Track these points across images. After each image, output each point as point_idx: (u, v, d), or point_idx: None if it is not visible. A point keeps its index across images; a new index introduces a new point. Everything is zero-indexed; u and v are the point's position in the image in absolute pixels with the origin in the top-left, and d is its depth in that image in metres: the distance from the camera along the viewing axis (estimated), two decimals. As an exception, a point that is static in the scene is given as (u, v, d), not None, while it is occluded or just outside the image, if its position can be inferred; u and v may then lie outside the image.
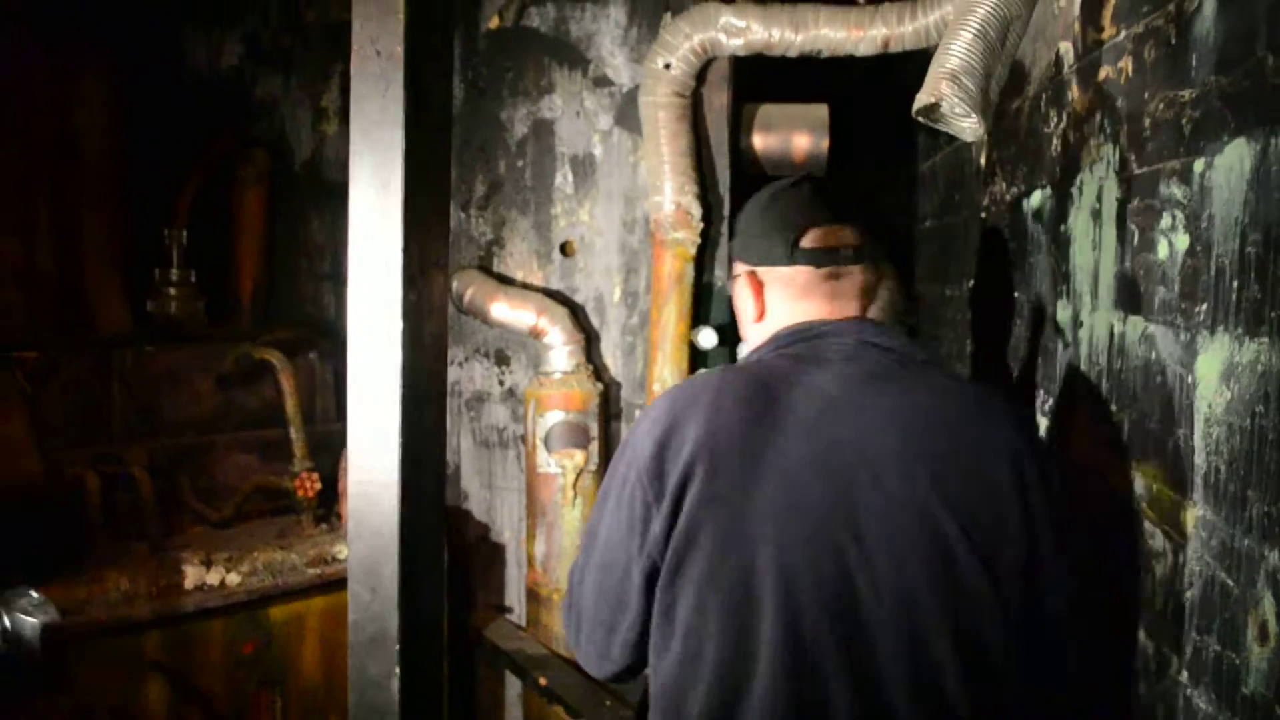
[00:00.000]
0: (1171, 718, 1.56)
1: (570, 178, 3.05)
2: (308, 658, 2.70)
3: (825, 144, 3.06)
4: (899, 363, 1.65)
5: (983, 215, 3.06)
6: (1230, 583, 1.37)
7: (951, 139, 3.53)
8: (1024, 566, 1.52)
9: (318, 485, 2.74)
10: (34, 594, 2.20)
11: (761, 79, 3.09)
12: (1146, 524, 1.70)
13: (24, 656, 2.13)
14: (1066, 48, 2.24)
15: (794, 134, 3.06)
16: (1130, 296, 1.80)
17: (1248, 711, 1.32)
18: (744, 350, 1.85)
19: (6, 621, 2.17)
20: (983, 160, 3.03)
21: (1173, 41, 1.65)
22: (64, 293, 2.91)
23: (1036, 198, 2.48)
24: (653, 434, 1.53)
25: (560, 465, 2.87)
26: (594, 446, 2.92)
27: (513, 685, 3.17)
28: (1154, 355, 1.70)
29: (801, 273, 1.71)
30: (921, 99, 1.92)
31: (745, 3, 2.82)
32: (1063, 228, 2.21)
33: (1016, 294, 2.64)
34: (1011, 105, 2.73)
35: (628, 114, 2.99)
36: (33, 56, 2.86)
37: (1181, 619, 1.54)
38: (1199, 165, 1.53)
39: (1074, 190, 2.14)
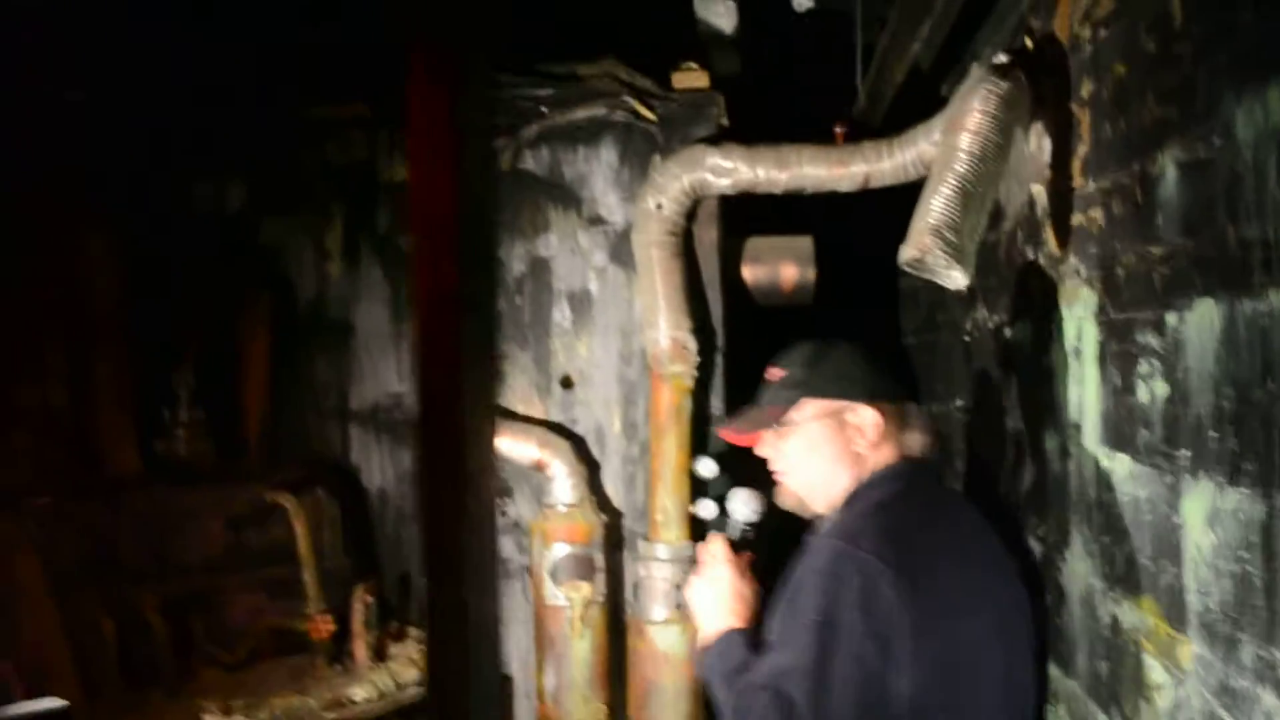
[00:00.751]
0: None
1: (568, 313, 3.16)
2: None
3: (812, 274, 3.18)
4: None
5: (966, 338, 3.18)
6: (1230, 722, 1.43)
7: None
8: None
9: (332, 628, 2.77)
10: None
11: (749, 203, 3.22)
12: (1146, 656, 1.76)
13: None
14: (1039, 190, 2.38)
15: (781, 265, 3.19)
16: (1117, 434, 1.89)
17: None
18: (834, 484, 2.01)
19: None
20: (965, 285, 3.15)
21: (1139, 200, 1.76)
22: (75, 437, 2.97)
23: (1019, 329, 2.59)
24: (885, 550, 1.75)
25: (568, 597, 2.91)
26: (600, 578, 2.97)
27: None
28: (1143, 494, 1.77)
29: (899, 411, 2.04)
30: (907, 252, 2.03)
31: (731, 144, 2.97)
32: (1045, 360, 2.31)
33: (1006, 420, 2.73)
34: (990, 238, 2.87)
35: (622, 251, 3.12)
36: (42, 213, 2.97)
37: (1187, 755, 1.59)
38: (1172, 319, 1.62)
39: (1054, 327, 2.25)
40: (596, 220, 3.16)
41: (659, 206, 2.98)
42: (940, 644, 1.72)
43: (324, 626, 2.75)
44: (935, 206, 2.07)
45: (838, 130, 3.31)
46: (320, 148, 3.25)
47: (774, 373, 2.09)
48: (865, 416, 1.99)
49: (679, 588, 2.90)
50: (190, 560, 2.93)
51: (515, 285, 3.20)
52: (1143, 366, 1.75)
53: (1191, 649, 1.57)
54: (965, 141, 2.11)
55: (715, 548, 2.10)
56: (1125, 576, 1.85)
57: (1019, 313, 2.62)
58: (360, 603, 2.84)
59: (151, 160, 3.13)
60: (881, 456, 2.00)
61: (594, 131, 3.14)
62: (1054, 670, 2.25)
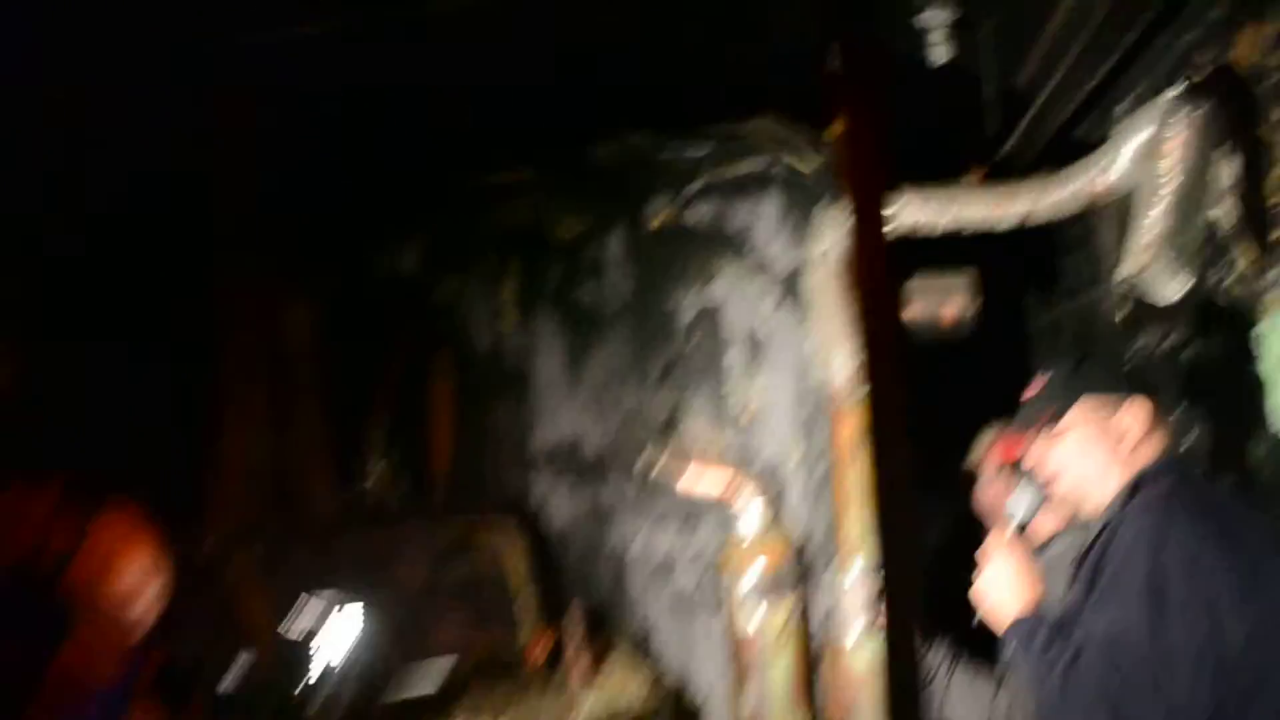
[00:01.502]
0: None
1: (740, 354, 3.32)
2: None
3: (971, 309, 3.33)
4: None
5: (1126, 366, 3.30)
6: None
7: (1074, 293, 3.81)
8: None
9: (550, 648, 2.89)
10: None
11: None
12: None
13: None
14: (1224, 214, 2.52)
15: (942, 300, 3.34)
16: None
17: None
18: (1107, 484, 2.06)
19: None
20: (1125, 313, 3.27)
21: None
22: (279, 484, 3.14)
23: (1198, 349, 2.72)
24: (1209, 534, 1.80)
25: (762, 622, 3.02)
26: (791, 603, 3.08)
27: None
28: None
29: (1156, 408, 2.09)
30: (1125, 270, 2.18)
31: (896, 187, 3.14)
32: (1240, 375, 2.44)
33: (1193, 432, 2.84)
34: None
35: (789, 292, 3.28)
36: (246, 281, 3.18)
37: None
38: None
39: (1249, 342, 2.38)
40: (762, 267, 3.33)
41: (824, 253, 3.14)
42: (1261, 606, 1.76)
43: (542, 650, 2.87)
44: (1147, 225, 2.23)
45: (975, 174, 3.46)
46: (491, 211, 3.44)
47: (1037, 383, 2.18)
48: (1137, 410, 2.05)
49: (870, 608, 3.00)
50: (397, 594, 3.05)
51: (686, 332, 3.36)
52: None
53: None
54: (1167, 164, 2.28)
55: (992, 544, 2.13)
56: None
57: (1198, 335, 2.74)
58: (574, 625, 2.96)
59: (337, 227, 3.34)
60: (1150, 452, 2.06)
61: (755, 184, 3.33)
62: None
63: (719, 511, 3.24)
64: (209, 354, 3.06)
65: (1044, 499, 2.16)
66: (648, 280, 3.39)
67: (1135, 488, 2.01)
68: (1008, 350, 4.12)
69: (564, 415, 3.45)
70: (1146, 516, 1.89)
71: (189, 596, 2.96)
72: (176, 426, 3.02)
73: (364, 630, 1.41)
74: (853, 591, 3.02)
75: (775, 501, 3.23)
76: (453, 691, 2.90)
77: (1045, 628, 1.95)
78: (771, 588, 3.08)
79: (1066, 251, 3.81)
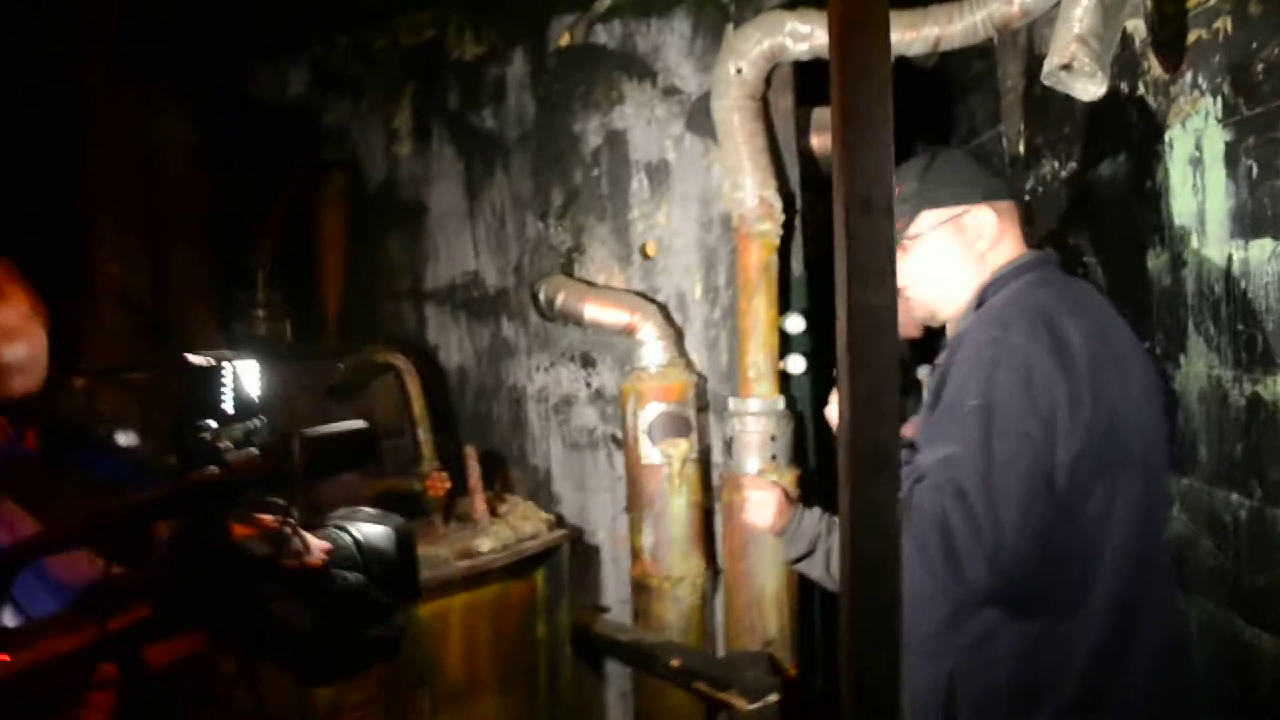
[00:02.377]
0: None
1: (645, 183, 3.20)
2: (453, 654, 2.74)
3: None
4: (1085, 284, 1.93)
5: (1026, 198, 3.30)
6: None
7: (974, 134, 3.79)
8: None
9: (448, 484, 2.79)
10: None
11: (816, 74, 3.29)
12: (1297, 418, 1.88)
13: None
14: (1136, 24, 2.49)
15: (848, 133, 3.26)
16: (1254, 223, 2.01)
17: None
18: (963, 287, 2.01)
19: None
20: (1022, 148, 3.27)
21: (1286, -8, 1.88)
22: (158, 316, 2.94)
23: (1106, 166, 2.71)
24: (1038, 334, 1.77)
25: (666, 455, 2.98)
26: (694, 435, 3.05)
27: (613, 685, 3.23)
28: (1289, 268, 1.89)
29: (1015, 207, 2.04)
30: (1054, 60, 2.12)
31: (808, 9, 3.03)
32: (1149, 185, 2.43)
33: (1086, 257, 2.86)
34: (1058, 92, 2.97)
35: (698, 119, 3.17)
36: (122, 93, 2.93)
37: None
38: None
39: (1161, 148, 2.37)
40: (671, 90, 3.20)
41: (739, 71, 3.03)
42: (1093, 414, 1.76)
43: (440, 484, 2.78)
44: (1078, 15, 2.17)
45: None
46: (387, 29, 3.22)
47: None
48: (983, 216, 1.98)
49: (773, 439, 2.98)
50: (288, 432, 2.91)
51: (591, 159, 3.23)
52: (1293, 147, 1.87)
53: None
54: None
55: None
56: (1267, 352, 1.99)
57: (1104, 153, 2.73)
58: (472, 460, 2.87)
59: (217, 41, 3.09)
60: (1004, 253, 2.01)
61: (666, 2, 3.17)
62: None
63: (621, 345, 3.16)
64: (80, 149, 2.81)
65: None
66: (552, 104, 3.23)
67: (983, 296, 1.97)
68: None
69: (462, 247, 3.30)
70: (984, 330, 1.84)
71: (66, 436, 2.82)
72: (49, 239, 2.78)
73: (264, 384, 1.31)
74: (754, 424, 2.99)
75: (678, 334, 3.16)
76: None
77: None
78: (672, 422, 3.03)
79: (968, 92, 3.76)
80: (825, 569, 2.10)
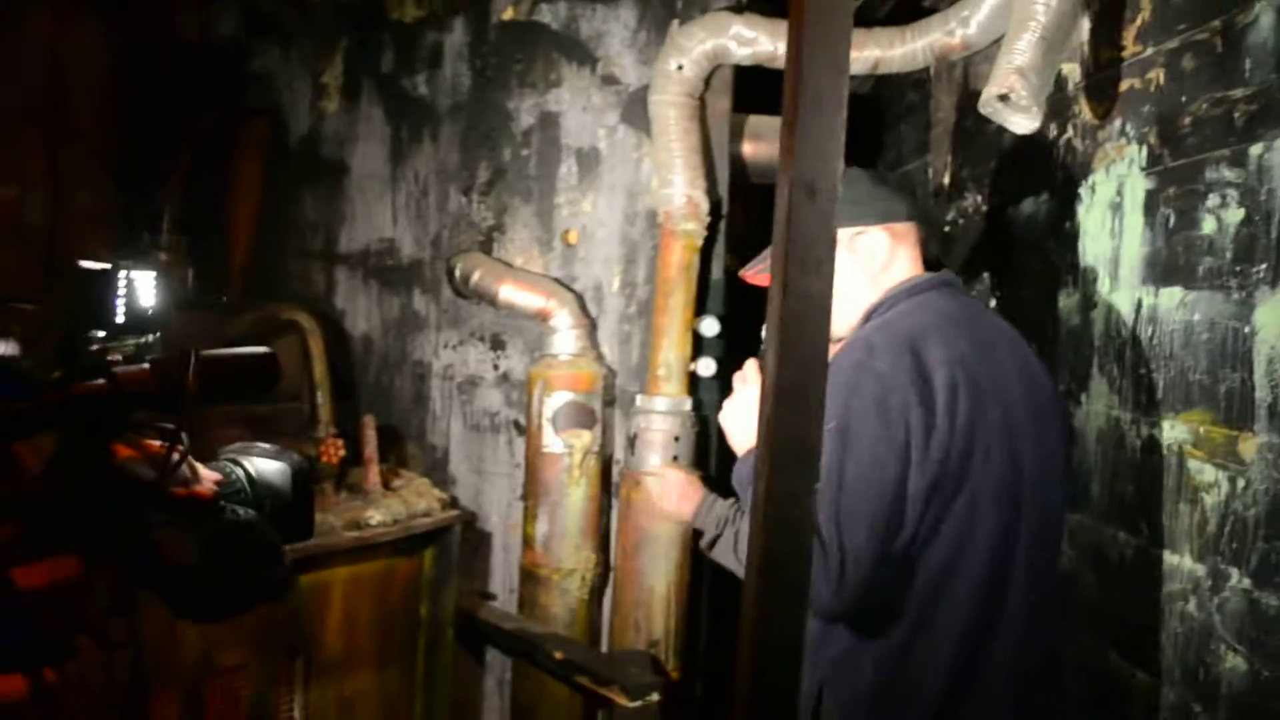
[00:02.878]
0: (1237, 623, 1.79)
1: (574, 169, 3.16)
2: (331, 625, 2.65)
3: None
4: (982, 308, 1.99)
5: (946, 229, 3.35)
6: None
7: (892, 168, 3.84)
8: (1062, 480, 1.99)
9: (343, 452, 2.69)
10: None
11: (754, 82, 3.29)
12: (1193, 462, 1.94)
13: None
14: (1072, 68, 2.55)
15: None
16: (1166, 270, 2.07)
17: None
18: (853, 306, 2.02)
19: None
20: (947, 179, 3.33)
21: (1219, 50, 1.93)
22: (53, 249, 2.77)
23: (1028, 204, 2.77)
24: (900, 361, 1.76)
25: (568, 444, 2.93)
26: (598, 428, 3.00)
27: (492, 673, 3.16)
28: (1198, 316, 1.95)
29: (914, 229, 2.03)
30: (992, 90, 2.15)
31: (755, 15, 3.03)
32: (1068, 225, 2.49)
33: (999, 292, 2.92)
34: (988, 127, 3.03)
35: (633, 112, 3.13)
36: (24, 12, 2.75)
37: (1245, 535, 1.78)
38: (1256, 149, 1.80)
39: (1083, 191, 2.42)
40: (610, 79, 3.16)
41: (680, 68, 3.01)
42: (951, 440, 1.75)
43: (335, 452, 2.68)
44: (1020, 48, 2.20)
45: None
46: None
47: None
48: (875, 237, 1.99)
49: (676, 440, 2.96)
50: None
51: (522, 138, 3.17)
52: (1211, 200, 1.93)
53: (1257, 441, 1.75)
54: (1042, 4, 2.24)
55: (749, 370, 2.08)
56: (1166, 398, 2.04)
57: (1026, 191, 2.78)
58: (370, 429, 2.77)
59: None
60: (897, 274, 2.01)
61: (613, -10, 3.14)
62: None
63: (533, 330, 3.10)
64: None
65: None
66: (488, 78, 3.15)
67: (869, 317, 1.99)
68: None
69: (381, 213, 3.21)
70: (851, 354, 1.84)
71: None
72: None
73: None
74: (659, 422, 2.96)
75: (592, 325, 3.12)
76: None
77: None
78: (578, 413, 2.99)
79: (900, 120, 3.81)
80: (734, 553, 2.06)
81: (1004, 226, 2.98)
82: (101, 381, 1.13)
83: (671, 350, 2.99)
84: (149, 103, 2.97)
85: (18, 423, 1.12)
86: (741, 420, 2.02)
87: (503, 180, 3.18)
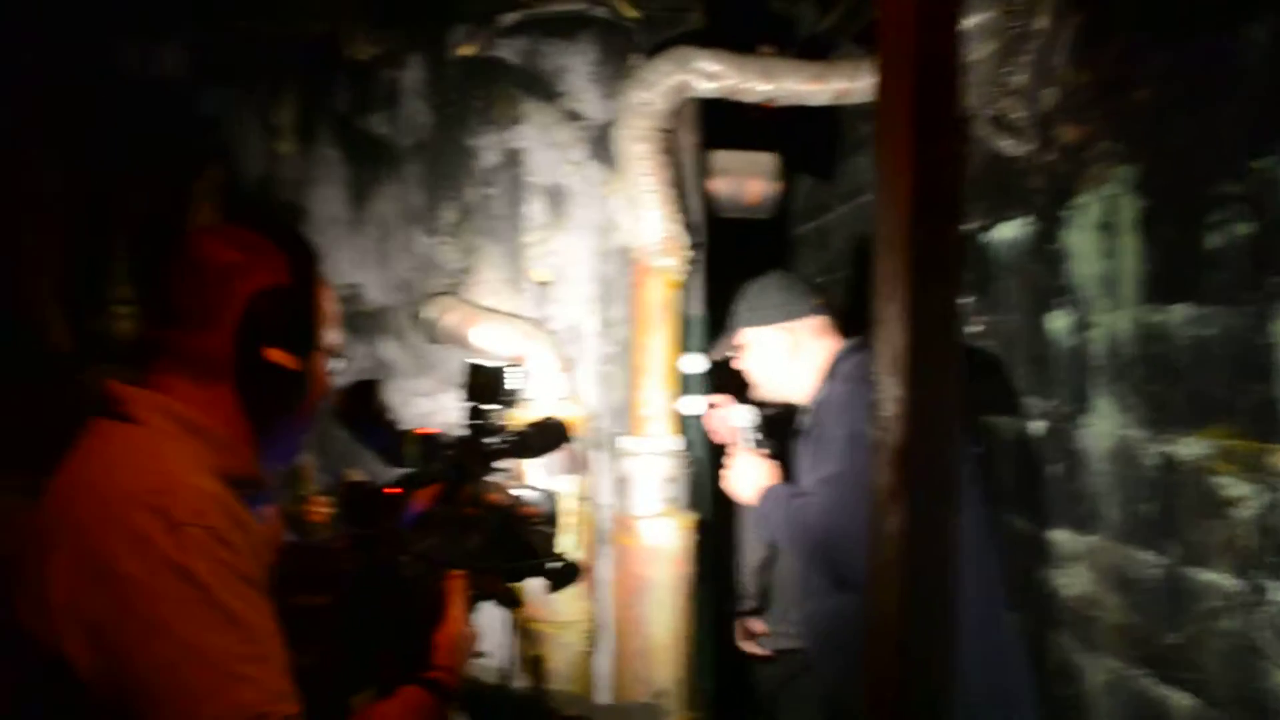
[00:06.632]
0: (1281, 636, 1.77)
1: (543, 208, 3.08)
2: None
3: (777, 188, 3.27)
4: None
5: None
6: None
7: (848, 199, 3.84)
8: None
9: (328, 509, 2.54)
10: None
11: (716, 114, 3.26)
12: (1219, 479, 1.93)
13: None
14: (1052, 90, 2.57)
15: (748, 178, 3.25)
16: (1169, 288, 2.08)
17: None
18: (799, 380, 2.55)
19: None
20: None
21: (1210, 65, 1.96)
22: (2, 312, 2.58)
23: (1006, 228, 2.77)
24: None
25: (555, 492, 2.81)
26: (586, 474, 2.90)
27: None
28: (1211, 331, 1.95)
29: (819, 320, 2.57)
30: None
31: (720, 49, 3.01)
32: (1052, 248, 2.49)
33: (983, 316, 2.92)
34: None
35: (601, 147, 3.08)
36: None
37: (1285, 546, 1.77)
38: (1264, 162, 1.81)
39: (1067, 214, 2.43)
40: (575, 115, 3.10)
41: (646, 103, 2.97)
42: None
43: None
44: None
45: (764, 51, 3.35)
46: (274, 17, 2.98)
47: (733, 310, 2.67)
48: (797, 325, 2.53)
49: (669, 482, 2.88)
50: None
51: (488, 176, 3.08)
52: (1215, 215, 1.94)
53: (1288, 452, 1.75)
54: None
55: (737, 454, 2.58)
56: (1181, 415, 2.04)
57: (1004, 214, 2.79)
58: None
59: (74, 14, 2.78)
60: (830, 346, 2.52)
61: (573, 24, 3.08)
62: (1063, 534, 2.42)
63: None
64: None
65: (758, 407, 2.64)
66: (449, 115, 3.06)
67: (833, 371, 2.45)
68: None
69: (343, 259, 3.07)
70: (842, 386, 2.35)
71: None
72: None
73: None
74: (651, 464, 2.88)
75: (570, 367, 3.03)
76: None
77: (783, 489, 2.43)
78: (562, 460, 2.88)
79: (855, 151, 3.82)
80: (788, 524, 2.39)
81: (983, 250, 2.99)
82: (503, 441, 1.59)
83: (656, 389, 2.92)
84: (96, 151, 2.81)
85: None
86: (746, 484, 2.51)
87: (470, 220, 3.08)
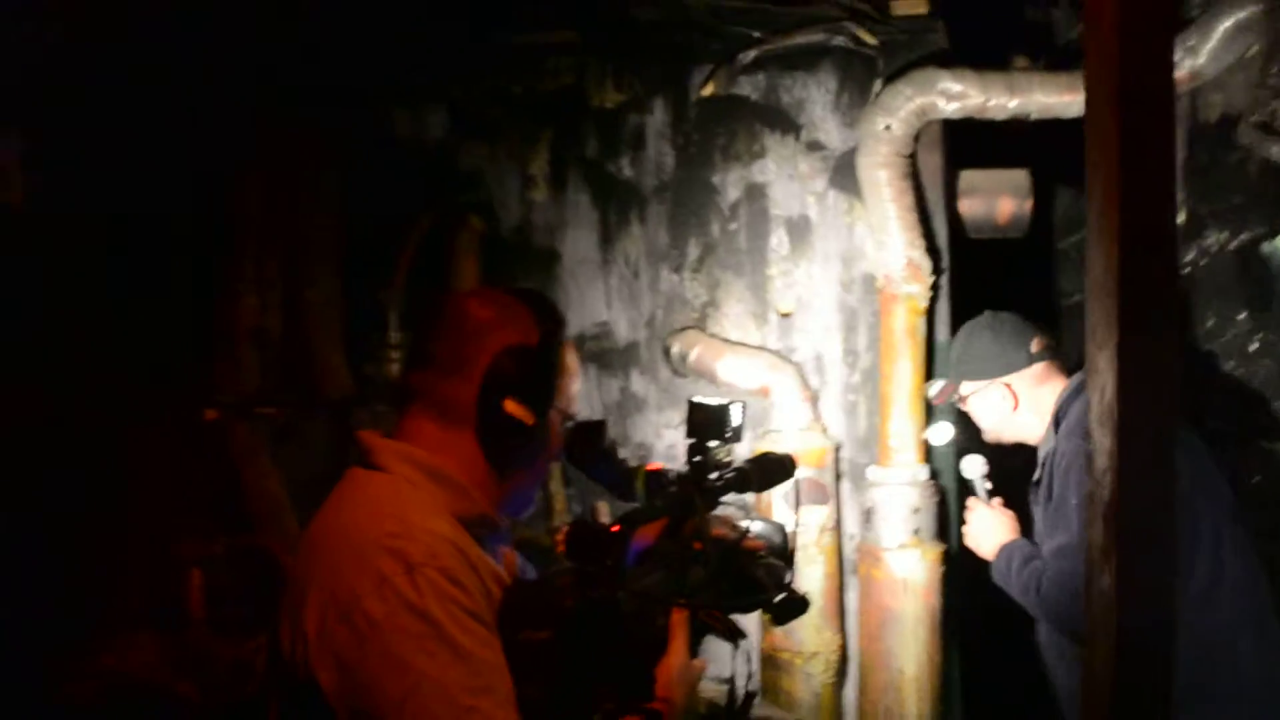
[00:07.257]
0: None
1: (785, 239, 3.11)
2: None
3: (1029, 206, 3.13)
4: None
5: (1187, 270, 3.12)
6: None
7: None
8: None
9: (577, 539, 2.68)
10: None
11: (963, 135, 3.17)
12: None
13: None
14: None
15: (998, 197, 3.13)
16: None
17: None
18: (1023, 426, 2.58)
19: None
20: (1182, 218, 3.09)
21: None
22: (289, 355, 2.92)
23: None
24: None
25: (803, 523, 2.83)
26: (832, 504, 2.90)
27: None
28: None
29: (1043, 365, 2.55)
30: (1252, 119, 1.98)
31: (963, 68, 2.93)
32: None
33: (1261, 335, 2.68)
34: (1228, 158, 2.82)
35: (841, 176, 3.07)
36: (276, 137, 2.94)
37: None
38: None
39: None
40: (815, 145, 3.11)
41: (888, 128, 2.93)
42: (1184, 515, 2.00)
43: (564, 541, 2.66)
44: (1276, 72, 2.03)
45: (1018, 64, 3.22)
46: (526, 75, 3.20)
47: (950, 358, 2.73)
48: (1014, 379, 2.52)
49: (917, 511, 2.83)
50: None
51: (730, 212, 3.15)
52: None
53: None
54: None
55: (972, 507, 2.62)
56: None
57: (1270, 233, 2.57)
58: (604, 516, 2.77)
59: (357, 86, 3.11)
60: (1052, 392, 2.49)
61: (813, 55, 3.10)
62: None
63: (754, 404, 3.03)
64: (235, 191, 2.85)
65: (985, 458, 2.64)
66: (691, 154, 3.16)
67: (1058, 416, 2.42)
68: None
69: (594, 297, 3.23)
70: (1071, 441, 2.28)
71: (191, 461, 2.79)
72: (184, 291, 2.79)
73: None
74: (897, 494, 2.84)
75: (815, 397, 3.03)
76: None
77: (1019, 550, 2.44)
78: (811, 489, 2.89)
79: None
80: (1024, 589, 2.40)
81: (1259, 264, 2.75)
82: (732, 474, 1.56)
83: (903, 418, 2.87)
84: (369, 207, 3.12)
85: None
86: (984, 540, 2.56)
87: (713, 255, 3.16)
